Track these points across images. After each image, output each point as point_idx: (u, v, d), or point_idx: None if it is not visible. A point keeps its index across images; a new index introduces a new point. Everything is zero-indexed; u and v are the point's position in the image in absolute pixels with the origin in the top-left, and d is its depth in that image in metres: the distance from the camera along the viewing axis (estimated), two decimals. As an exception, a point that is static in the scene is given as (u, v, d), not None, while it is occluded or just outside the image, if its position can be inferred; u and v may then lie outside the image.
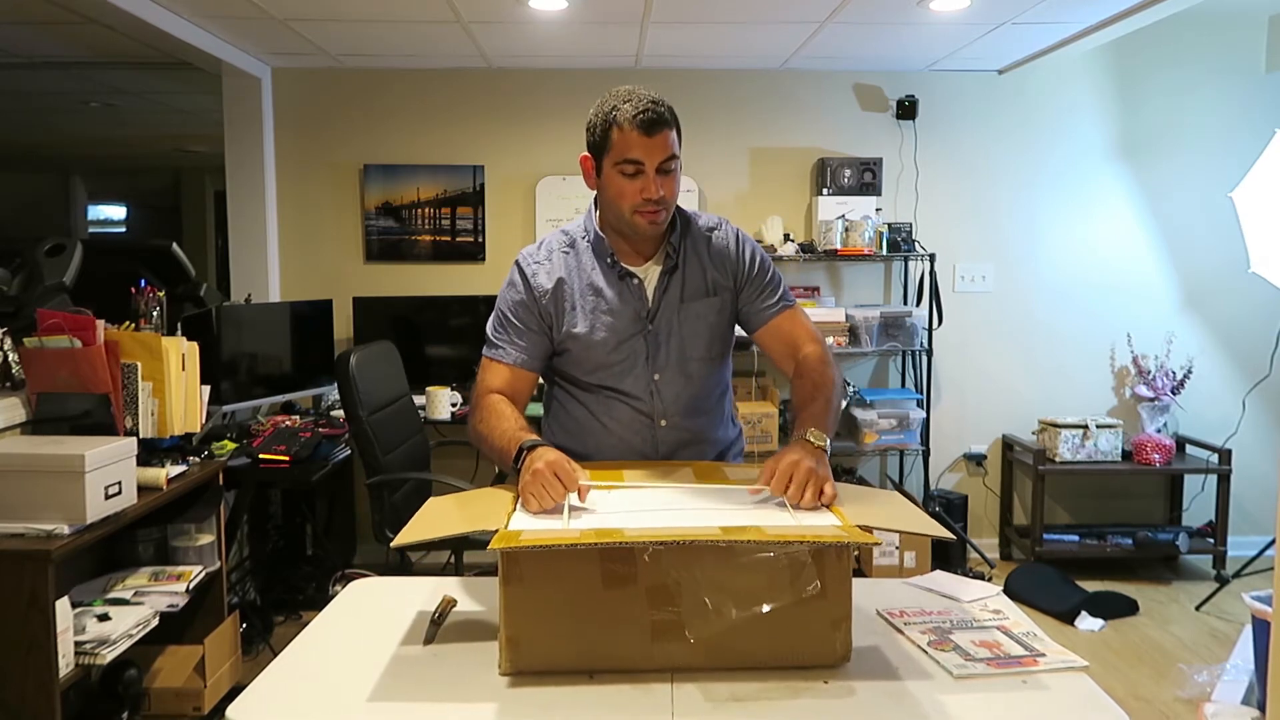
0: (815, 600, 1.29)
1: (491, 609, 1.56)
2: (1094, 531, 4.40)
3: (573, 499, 1.48)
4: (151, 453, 2.73)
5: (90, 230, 8.64)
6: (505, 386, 1.80)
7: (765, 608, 1.28)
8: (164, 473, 2.64)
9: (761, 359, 4.28)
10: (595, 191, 1.81)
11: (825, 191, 4.34)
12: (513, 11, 3.49)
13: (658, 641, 1.29)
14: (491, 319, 1.86)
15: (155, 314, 3.01)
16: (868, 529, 1.34)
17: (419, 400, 3.94)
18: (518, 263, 1.85)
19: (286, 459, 3.48)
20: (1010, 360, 4.57)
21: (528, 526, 1.39)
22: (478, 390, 1.82)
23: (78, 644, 2.29)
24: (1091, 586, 4.00)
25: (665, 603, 1.28)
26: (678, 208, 1.82)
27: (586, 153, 1.77)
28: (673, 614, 1.28)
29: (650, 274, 1.82)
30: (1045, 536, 4.26)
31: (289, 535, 4.09)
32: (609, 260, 1.81)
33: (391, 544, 1.38)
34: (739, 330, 1.93)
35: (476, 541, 3.16)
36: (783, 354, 1.88)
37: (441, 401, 4.06)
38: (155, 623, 2.53)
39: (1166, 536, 4.24)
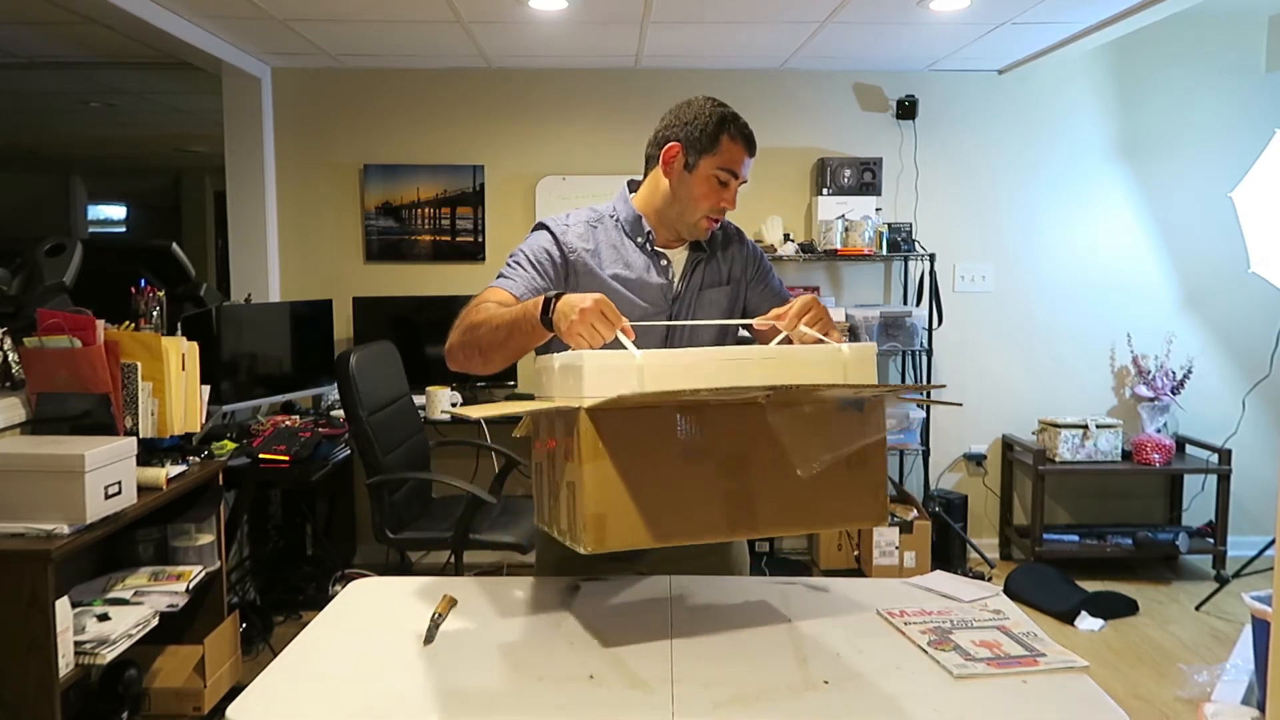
0: (859, 469, 1.42)
1: (492, 610, 1.56)
2: (1094, 531, 4.40)
3: (621, 340, 1.43)
4: (151, 453, 2.73)
5: (90, 230, 8.64)
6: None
7: (831, 456, 1.39)
8: (164, 473, 2.64)
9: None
10: (666, 181, 1.75)
11: (825, 191, 4.34)
12: (513, 11, 3.49)
13: (729, 510, 1.37)
14: (506, 263, 1.76)
15: (155, 314, 3.01)
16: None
17: (419, 400, 3.95)
18: (544, 222, 1.79)
19: (286, 459, 3.48)
20: (1010, 360, 4.57)
21: (598, 353, 1.37)
22: (470, 304, 1.68)
23: (78, 644, 2.30)
24: (1091, 586, 4.00)
25: (736, 470, 1.37)
26: None
27: (676, 143, 1.74)
28: (741, 482, 1.37)
29: (678, 258, 1.83)
30: (1045, 536, 4.26)
31: (289, 535, 4.09)
32: (640, 240, 1.79)
33: (463, 410, 1.40)
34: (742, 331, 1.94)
35: (477, 542, 3.18)
36: None
37: (441, 401, 4.06)
38: (155, 623, 2.53)
39: (1166, 536, 4.24)
